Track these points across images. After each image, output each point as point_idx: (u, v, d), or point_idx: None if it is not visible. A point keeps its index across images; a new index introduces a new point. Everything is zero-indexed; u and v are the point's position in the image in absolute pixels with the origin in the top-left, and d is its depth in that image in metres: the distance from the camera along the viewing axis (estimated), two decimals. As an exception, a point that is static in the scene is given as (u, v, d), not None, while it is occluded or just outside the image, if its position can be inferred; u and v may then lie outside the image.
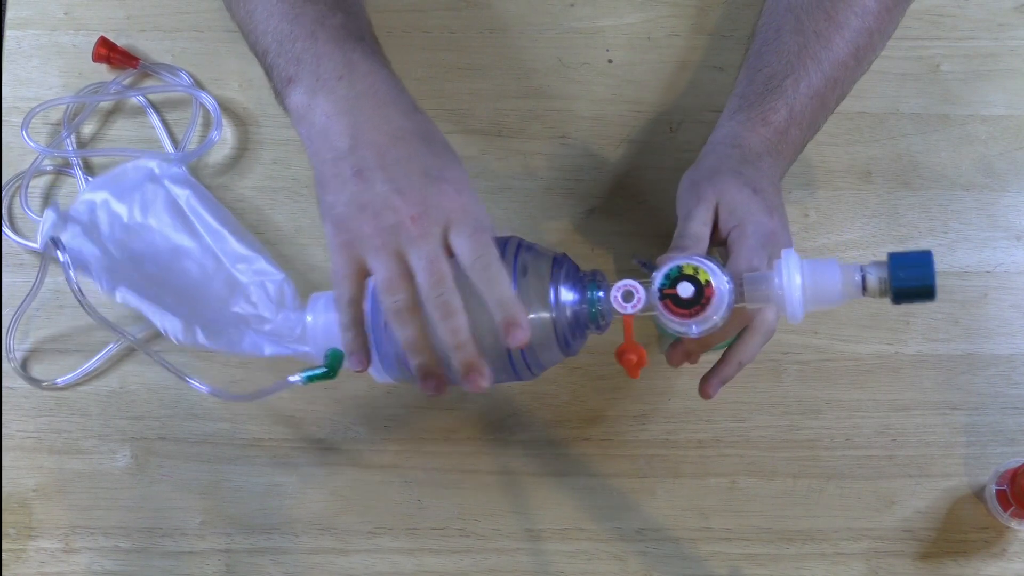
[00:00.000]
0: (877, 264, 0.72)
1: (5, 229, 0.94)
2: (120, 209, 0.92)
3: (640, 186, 0.95)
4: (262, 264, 0.90)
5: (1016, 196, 0.96)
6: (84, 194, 0.93)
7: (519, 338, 0.71)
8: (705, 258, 0.74)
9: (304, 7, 0.78)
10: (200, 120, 0.97)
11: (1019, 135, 0.97)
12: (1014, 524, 0.87)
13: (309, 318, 0.83)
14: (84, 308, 0.87)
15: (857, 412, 0.91)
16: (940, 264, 0.92)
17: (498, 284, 0.71)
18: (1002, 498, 0.86)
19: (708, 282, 0.72)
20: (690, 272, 0.72)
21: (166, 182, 0.94)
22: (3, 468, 0.89)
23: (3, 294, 0.92)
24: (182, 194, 0.93)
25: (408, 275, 0.72)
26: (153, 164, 0.94)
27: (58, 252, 0.87)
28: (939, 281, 0.92)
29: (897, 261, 0.71)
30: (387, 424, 0.90)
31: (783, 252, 0.73)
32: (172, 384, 0.91)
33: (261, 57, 0.80)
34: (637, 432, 0.90)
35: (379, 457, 0.90)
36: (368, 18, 0.82)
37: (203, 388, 0.87)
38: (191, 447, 0.90)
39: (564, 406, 0.91)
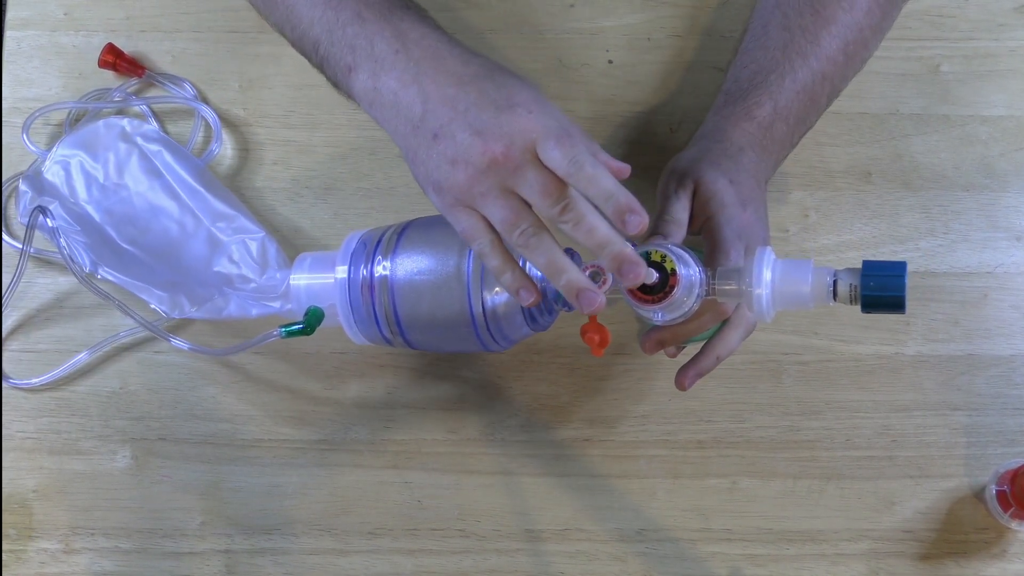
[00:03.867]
0: (850, 270, 0.71)
1: (4, 234, 0.94)
2: (95, 168, 0.93)
3: (640, 186, 0.95)
4: (242, 221, 0.91)
5: (1016, 197, 0.96)
6: (57, 153, 0.93)
7: (636, 223, 0.69)
8: (679, 247, 0.74)
9: None
10: (201, 132, 0.97)
11: (1019, 135, 0.97)
12: (1014, 525, 0.87)
13: (294, 278, 0.85)
14: (74, 274, 0.88)
15: (857, 413, 0.91)
16: (940, 265, 0.94)
17: (597, 180, 0.70)
18: (1002, 499, 0.86)
19: (673, 270, 0.72)
20: (657, 259, 0.73)
21: (139, 139, 0.94)
22: (3, 469, 0.89)
23: (3, 295, 0.92)
24: (156, 151, 0.93)
25: (523, 206, 0.72)
26: (124, 122, 0.95)
27: (47, 219, 0.88)
28: (939, 282, 0.93)
29: (869, 270, 0.70)
30: (387, 424, 0.90)
31: (758, 249, 0.73)
32: (172, 385, 0.91)
33: (311, 51, 0.80)
34: (637, 432, 0.90)
35: (379, 457, 0.90)
36: None
37: (183, 345, 0.89)
38: (191, 448, 0.90)
39: (564, 406, 0.91)
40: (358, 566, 0.87)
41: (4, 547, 0.87)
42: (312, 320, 0.83)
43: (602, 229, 0.71)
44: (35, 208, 0.89)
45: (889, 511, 0.89)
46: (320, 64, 0.79)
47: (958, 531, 0.88)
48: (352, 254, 0.83)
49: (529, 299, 0.74)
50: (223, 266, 0.90)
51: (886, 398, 0.91)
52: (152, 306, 0.89)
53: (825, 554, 0.88)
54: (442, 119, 0.73)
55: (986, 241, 0.95)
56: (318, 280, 0.85)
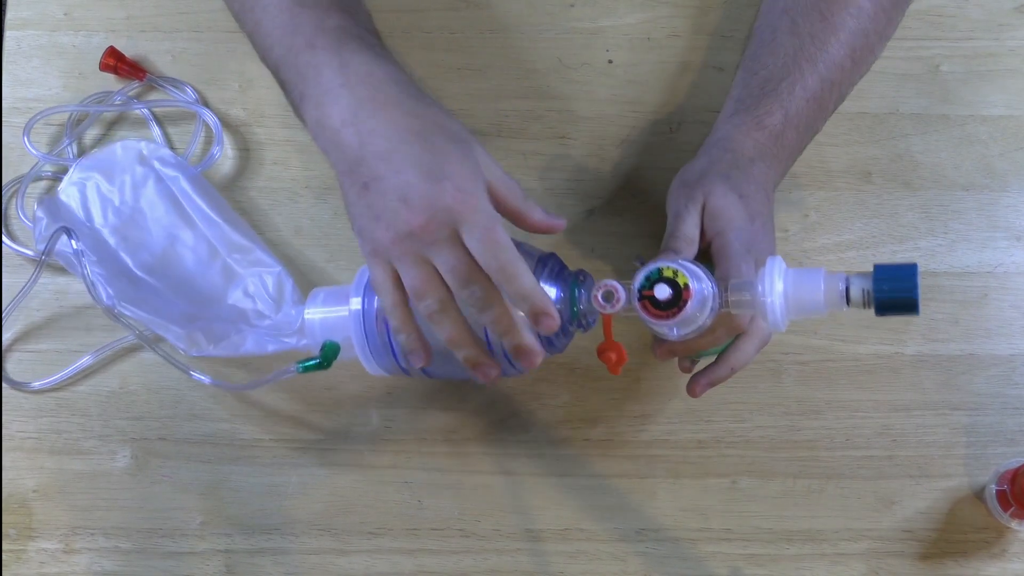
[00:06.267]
0: (862, 275, 0.71)
1: (6, 237, 0.94)
2: (111, 191, 0.92)
3: (640, 186, 0.95)
4: (258, 254, 0.91)
5: (1016, 196, 0.96)
6: (73, 175, 0.93)
7: (549, 325, 0.73)
8: (691, 263, 0.74)
9: (302, 14, 0.78)
10: (202, 135, 0.97)
11: (1019, 135, 0.97)
12: (1014, 524, 0.87)
13: (307, 313, 0.85)
14: (96, 301, 0.87)
15: (857, 412, 0.91)
16: (940, 265, 0.94)
17: (516, 279, 0.72)
18: (1002, 498, 0.86)
19: (686, 285, 0.72)
20: (669, 275, 0.73)
21: (156, 163, 0.94)
22: (3, 469, 0.89)
23: (3, 296, 0.92)
24: (172, 176, 0.93)
25: (435, 277, 0.73)
26: (142, 145, 0.94)
27: (72, 240, 0.88)
28: (939, 281, 0.93)
29: (881, 273, 0.71)
30: (387, 424, 0.90)
31: (768, 259, 0.73)
32: (172, 385, 0.91)
33: (274, 72, 0.81)
34: (637, 432, 0.90)
35: (379, 457, 0.90)
36: (367, 10, 0.82)
37: (205, 379, 0.88)
38: (191, 447, 0.90)
39: (564, 406, 0.91)
40: (358, 566, 0.87)
41: (4, 547, 0.87)
42: (329, 354, 0.83)
43: (505, 318, 0.73)
44: (58, 228, 0.88)
45: (889, 511, 0.89)
46: (281, 86, 0.80)
47: (958, 531, 0.88)
48: (365, 286, 0.83)
49: (420, 363, 0.77)
50: (238, 299, 0.89)
51: (886, 398, 0.91)
52: (170, 343, 0.89)
53: (825, 554, 0.88)
54: (374, 171, 0.73)
55: (986, 241, 0.95)
56: (332, 314, 0.84)
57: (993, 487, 0.87)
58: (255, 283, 0.90)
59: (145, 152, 0.94)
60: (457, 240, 0.72)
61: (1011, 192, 0.96)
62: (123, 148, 0.94)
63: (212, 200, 0.93)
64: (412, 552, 0.88)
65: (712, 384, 0.82)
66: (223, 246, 0.91)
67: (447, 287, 0.74)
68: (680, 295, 0.72)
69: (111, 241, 0.91)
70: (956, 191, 0.96)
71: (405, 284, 0.74)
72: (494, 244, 0.72)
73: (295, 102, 0.78)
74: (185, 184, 0.92)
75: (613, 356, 0.77)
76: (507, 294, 0.73)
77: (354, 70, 0.75)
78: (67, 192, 0.93)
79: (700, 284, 0.73)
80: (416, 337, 0.77)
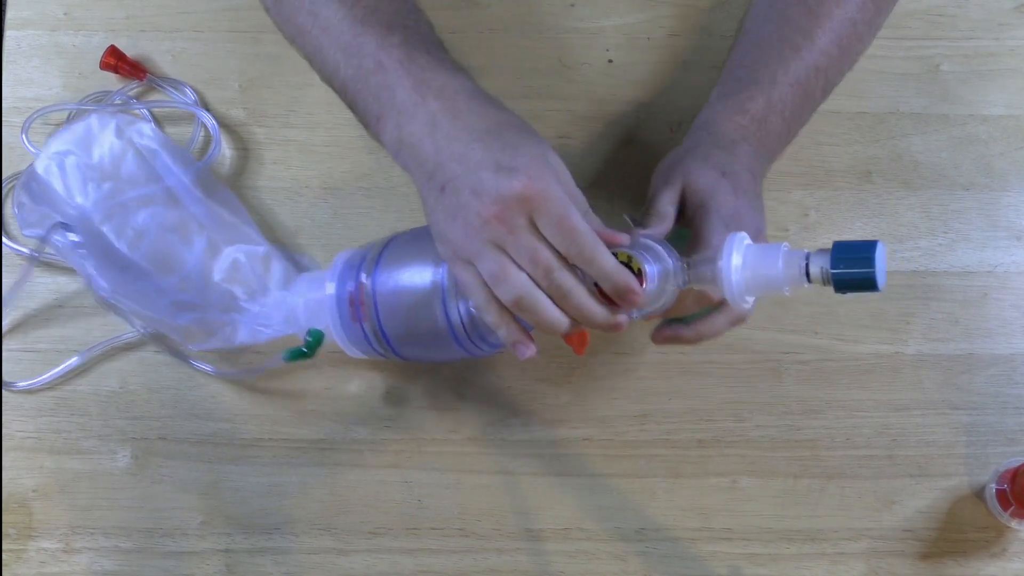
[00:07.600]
0: (822, 252, 0.71)
1: (5, 236, 0.94)
2: (90, 167, 0.90)
3: (640, 186, 0.95)
4: (244, 230, 0.91)
5: (1016, 196, 0.96)
6: (49, 148, 0.91)
7: (633, 300, 0.73)
8: (654, 240, 0.75)
9: (365, 34, 0.78)
10: (201, 136, 0.97)
11: (1019, 135, 0.97)
12: (1014, 524, 0.87)
13: (292, 300, 0.86)
14: (91, 286, 0.87)
15: (857, 412, 0.91)
16: (940, 264, 0.94)
17: (596, 261, 0.72)
18: (1002, 498, 0.86)
19: (639, 271, 0.73)
20: (623, 260, 0.74)
21: (134, 137, 0.92)
22: (3, 468, 0.89)
23: (3, 295, 0.92)
24: (152, 150, 0.92)
25: (511, 264, 0.73)
26: (117, 118, 0.92)
27: (70, 234, 0.87)
28: (939, 281, 0.93)
29: (839, 250, 0.70)
30: (387, 424, 0.90)
31: (730, 235, 0.73)
32: (172, 384, 0.91)
33: (340, 91, 0.81)
34: (637, 432, 0.90)
35: (379, 457, 0.90)
36: (427, 19, 0.83)
37: (207, 368, 0.89)
38: (191, 447, 0.90)
39: (564, 406, 0.91)
40: (358, 565, 0.87)
41: (4, 547, 0.87)
42: (313, 343, 0.84)
43: (586, 305, 0.73)
44: (56, 223, 0.87)
45: (889, 510, 0.89)
46: (349, 105, 0.80)
47: (958, 530, 0.88)
48: (340, 272, 0.84)
49: (526, 353, 0.76)
50: (226, 277, 0.89)
51: (886, 397, 0.91)
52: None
53: (825, 553, 0.88)
54: (449, 174, 0.74)
55: (986, 240, 0.95)
56: (314, 300, 0.85)
57: (993, 486, 0.87)
58: (242, 261, 0.89)
59: (122, 125, 0.92)
60: (532, 229, 0.72)
61: (1011, 192, 0.96)
62: (99, 121, 0.92)
63: (194, 175, 0.91)
64: (412, 552, 0.88)
65: (674, 340, 0.82)
66: (207, 222, 0.90)
67: (524, 272, 0.73)
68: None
69: (95, 218, 0.90)
70: (956, 191, 0.96)
71: (484, 273, 0.74)
72: (570, 230, 0.72)
73: (369, 123, 0.79)
74: (166, 159, 0.91)
75: (575, 338, 0.79)
76: (591, 273, 0.73)
77: (427, 86, 0.76)
78: (45, 167, 0.90)
79: (657, 265, 0.74)
80: (516, 328, 0.76)
